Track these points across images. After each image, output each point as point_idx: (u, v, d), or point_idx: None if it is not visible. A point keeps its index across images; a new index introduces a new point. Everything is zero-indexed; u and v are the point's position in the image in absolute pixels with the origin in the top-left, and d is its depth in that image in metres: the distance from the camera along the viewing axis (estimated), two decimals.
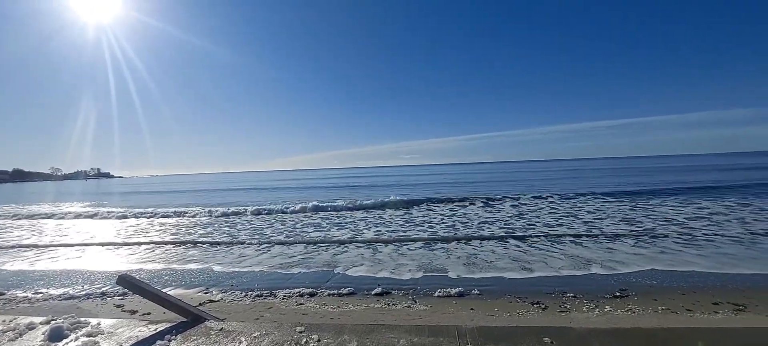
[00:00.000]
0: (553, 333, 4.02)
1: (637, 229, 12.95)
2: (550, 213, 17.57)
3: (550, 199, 22.88)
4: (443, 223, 15.81)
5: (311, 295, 7.23)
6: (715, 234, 11.61)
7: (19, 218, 22.90)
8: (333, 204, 22.93)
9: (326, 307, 6.52)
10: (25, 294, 7.67)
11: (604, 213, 16.87)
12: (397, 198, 24.98)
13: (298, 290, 7.46)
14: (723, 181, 30.59)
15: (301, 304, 6.75)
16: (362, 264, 9.49)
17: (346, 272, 8.83)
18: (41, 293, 7.76)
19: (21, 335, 4.25)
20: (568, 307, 6.19)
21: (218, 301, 7.02)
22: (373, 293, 7.23)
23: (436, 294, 7.02)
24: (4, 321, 4.61)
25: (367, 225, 15.91)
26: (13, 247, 13.62)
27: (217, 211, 22.16)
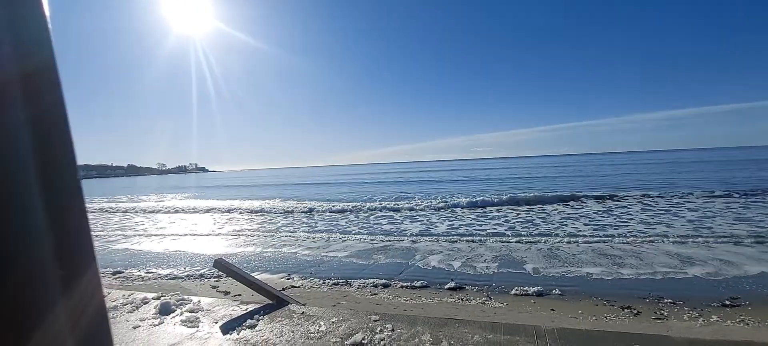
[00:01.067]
0: (646, 341, 3.66)
1: (755, 230, 11.15)
2: (644, 211, 15.88)
3: (645, 196, 20.67)
4: (521, 219, 15.14)
5: (385, 286, 7.42)
6: None
7: (135, 211, 26.66)
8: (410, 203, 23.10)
9: (399, 298, 6.65)
10: (139, 273, 8.98)
11: (711, 212, 14.79)
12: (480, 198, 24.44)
13: (372, 280, 7.71)
14: None
15: (375, 294, 6.96)
16: (439, 253, 9.50)
17: (420, 265, 8.89)
18: (151, 272, 9.01)
19: (137, 307, 4.97)
20: (666, 314, 5.57)
21: (299, 287, 7.53)
22: (446, 287, 7.20)
23: (513, 292, 6.77)
24: (124, 296, 5.43)
25: (439, 219, 15.84)
26: (130, 233, 15.95)
27: (300, 206, 23.63)
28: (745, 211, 14.28)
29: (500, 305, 6.22)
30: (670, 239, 10.39)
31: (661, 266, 7.94)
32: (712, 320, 5.28)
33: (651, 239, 10.62)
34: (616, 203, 18.70)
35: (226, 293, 7.09)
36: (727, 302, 5.88)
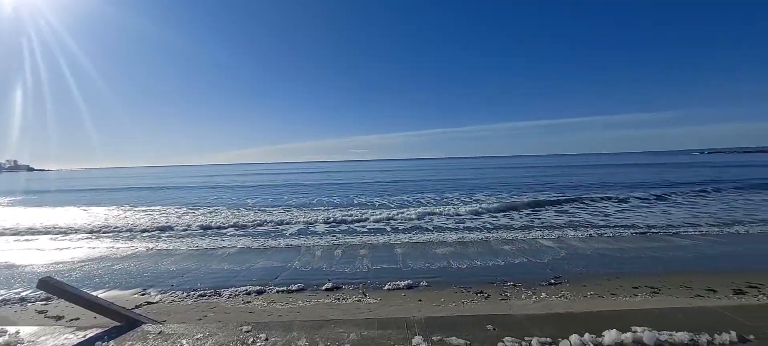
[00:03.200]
0: (495, 320, 4.24)
1: (571, 221, 14.00)
2: (496, 208, 18.47)
3: (494, 194, 23.99)
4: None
5: (259, 293, 7.01)
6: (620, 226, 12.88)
7: None
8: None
9: (275, 304, 6.37)
10: None
11: (539, 209, 18.01)
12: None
13: (244, 288, 7.20)
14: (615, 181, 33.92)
15: (248, 302, 6.53)
16: (318, 254, 9.39)
17: (297, 268, 8.67)
18: None
19: None
20: (509, 295, 6.55)
21: (157, 302, 6.60)
22: (323, 288, 7.17)
23: (386, 287, 7.12)
24: None
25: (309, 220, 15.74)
26: None
27: (159, 212, 20.74)
28: (557, 216, 17.78)
29: (374, 300, 6.47)
30: (514, 231, 12.33)
31: (506, 255, 9.34)
32: (541, 296, 6.42)
33: (498, 230, 12.44)
34: (476, 200, 21.34)
35: (59, 318, 5.79)
36: (552, 281, 7.23)
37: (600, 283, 7.08)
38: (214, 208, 20.58)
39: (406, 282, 7.26)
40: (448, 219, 15.09)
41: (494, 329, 4.01)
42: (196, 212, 18.97)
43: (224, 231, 13.62)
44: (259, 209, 19.65)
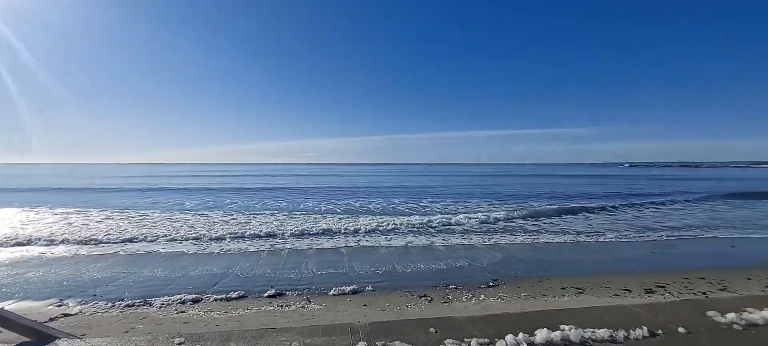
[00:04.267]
0: (438, 324, 4.37)
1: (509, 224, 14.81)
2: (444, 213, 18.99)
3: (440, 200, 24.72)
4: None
5: (195, 301, 6.60)
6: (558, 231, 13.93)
7: None
8: None
9: (212, 313, 6.04)
10: None
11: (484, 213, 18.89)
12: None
13: (179, 296, 6.74)
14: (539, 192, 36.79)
15: (182, 312, 6.12)
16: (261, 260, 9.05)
17: (238, 274, 8.29)
18: None
19: None
20: (451, 298, 6.77)
21: (76, 314, 5.97)
22: (265, 295, 6.92)
23: (332, 293, 7.04)
24: None
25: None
26: None
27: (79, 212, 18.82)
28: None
29: (319, 306, 6.38)
30: (457, 235, 12.80)
31: (448, 259, 9.67)
32: (481, 299, 6.71)
33: (443, 236, 12.84)
34: (424, 205, 21.85)
35: None
36: (490, 284, 7.59)
37: (532, 284, 7.55)
38: (147, 211, 19.10)
39: (351, 287, 7.24)
40: (397, 225, 15.29)
41: (436, 332, 4.13)
42: (124, 215, 17.46)
43: (158, 236, 12.65)
44: (198, 213, 18.55)
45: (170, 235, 12.63)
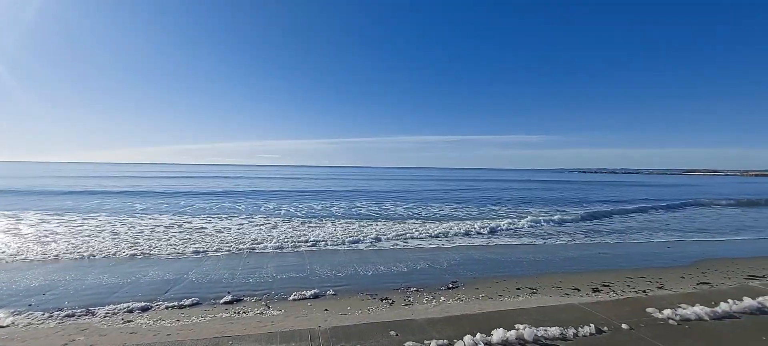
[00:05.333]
0: (399, 326, 4.41)
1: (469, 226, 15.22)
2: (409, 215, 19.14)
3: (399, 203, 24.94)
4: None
5: (144, 309, 6.23)
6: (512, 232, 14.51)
7: None
8: None
9: (163, 322, 5.72)
10: None
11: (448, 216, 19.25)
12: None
13: (126, 304, 6.33)
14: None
15: (129, 321, 5.76)
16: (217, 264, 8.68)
17: (193, 280, 7.92)
18: None
19: None
20: (412, 300, 6.85)
21: (8, 326, 5.46)
22: (222, 301, 6.66)
23: (292, 297, 6.90)
24: None
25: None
26: None
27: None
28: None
29: (279, 312, 6.23)
30: (417, 238, 12.97)
31: (409, 262, 9.78)
32: (441, 301, 6.84)
33: (406, 239, 12.97)
34: (385, 208, 21.94)
35: None
36: (450, 285, 7.75)
37: (490, 285, 7.80)
38: (94, 213, 17.84)
39: (313, 291, 7.13)
40: (361, 230, 15.26)
41: (397, 335, 4.17)
42: (65, 218, 16.18)
43: (105, 240, 11.82)
44: (149, 216, 17.57)
45: (119, 239, 11.86)
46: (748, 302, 5.39)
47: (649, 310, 5.15)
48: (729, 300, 5.42)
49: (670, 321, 4.82)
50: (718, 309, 5.17)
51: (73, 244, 11.00)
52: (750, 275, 8.55)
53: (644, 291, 7.37)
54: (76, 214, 17.20)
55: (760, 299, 5.50)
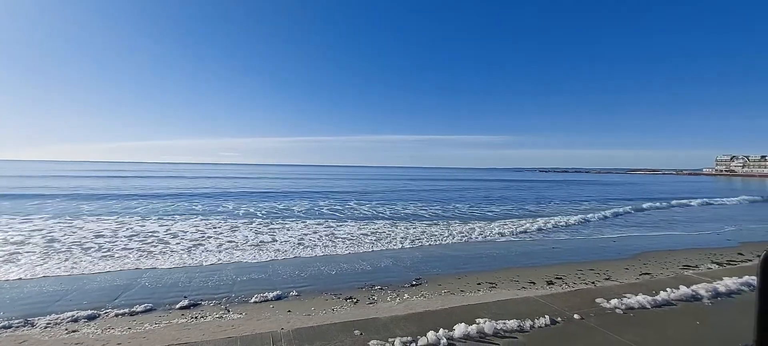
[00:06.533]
0: (363, 326, 4.42)
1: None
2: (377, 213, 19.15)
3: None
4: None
5: (91, 318, 5.83)
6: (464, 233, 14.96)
7: None
8: None
9: (112, 331, 5.39)
10: None
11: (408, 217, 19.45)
12: None
13: (71, 313, 5.90)
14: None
15: (74, 331, 5.37)
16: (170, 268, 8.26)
17: (146, 285, 7.51)
18: None
19: None
20: (376, 299, 6.89)
21: None
22: (177, 306, 6.37)
23: (253, 300, 6.72)
24: None
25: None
26: None
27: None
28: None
29: (239, 315, 6.05)
30: (383, 242, 13.04)
31: (372, 260, 9.83)
32: (405, 298, 6.92)
33: (371, 239, 13.00)
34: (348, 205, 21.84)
35: None
36: (414, 283, 7.87)
37: (452, 281, 8.00)
38: (32, 216, 16.44)
39: (275, 293, 6.98)
40: (335, 232, 15.10)
41: (361, 334, 4.18)
42: (2, 220, 14.80)
43: (47, 244, 10.91)
44: (100, 218, 16.43)
45: (62, 242, 11.00)
46: (683, 290, 5.89)
47: (598, 300, 5.49)
48: (667, 289, 5.89)
49: (617, 310, 5.17)
50: (658, 298, 5.60)
51: (12, 244, 10.07)
52: (685, 265, 9.32)
53: (593, 283, 7.84)
54: (10, 217, 15.77)
55: (694, 286, 6.01)
